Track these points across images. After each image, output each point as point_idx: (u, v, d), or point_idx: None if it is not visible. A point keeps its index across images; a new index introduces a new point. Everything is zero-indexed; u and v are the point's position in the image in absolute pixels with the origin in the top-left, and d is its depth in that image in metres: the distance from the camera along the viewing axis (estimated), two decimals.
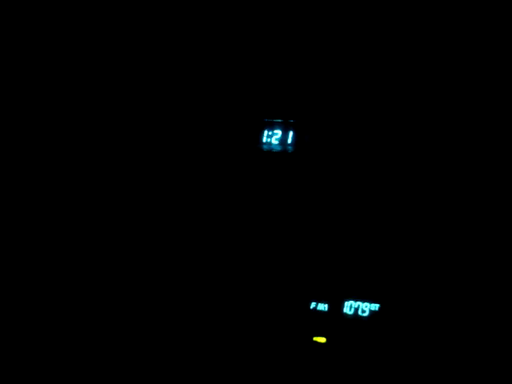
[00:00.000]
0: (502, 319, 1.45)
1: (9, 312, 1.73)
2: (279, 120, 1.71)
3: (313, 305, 1.59)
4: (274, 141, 1.71)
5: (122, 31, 1.80)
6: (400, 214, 1.57)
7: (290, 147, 1.69)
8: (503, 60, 1.53)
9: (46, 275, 1.75)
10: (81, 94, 1.83)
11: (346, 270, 1.59)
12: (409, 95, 1.61)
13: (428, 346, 1.49)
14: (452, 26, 1.57)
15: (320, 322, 1.57)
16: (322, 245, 1.62)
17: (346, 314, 1.56)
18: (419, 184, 1.57)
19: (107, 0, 1.78)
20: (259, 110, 1.72)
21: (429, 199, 1.56)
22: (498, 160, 1.51)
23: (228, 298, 1.65)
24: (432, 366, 1.48)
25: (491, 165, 1.52)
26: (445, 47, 1.58)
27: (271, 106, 1.72)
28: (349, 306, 1.56)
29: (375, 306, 1.55)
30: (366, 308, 1.55)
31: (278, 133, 1.71)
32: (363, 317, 1.55)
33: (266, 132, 1.72)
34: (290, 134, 1.70)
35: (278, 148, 1.70)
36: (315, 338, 1.57)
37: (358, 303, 1.56)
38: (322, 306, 1.58)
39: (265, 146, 1.71)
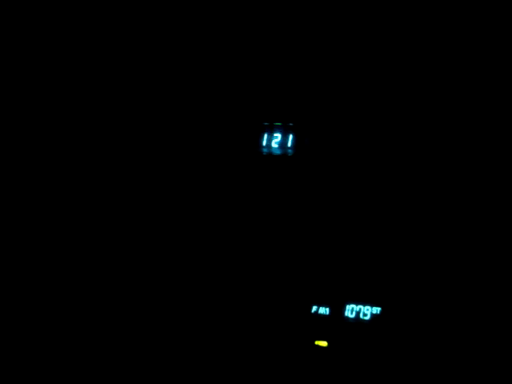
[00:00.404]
0: (504, 322, 1.45)
1: (9, 312, 1.73)
2: (279, 123, 1.71)
3: (314, 309, 1.59)
4: (274, 144, 1.71)
5: (124, 34, 1.80)
6: (400, 216, 1.57)
7: (289, 150, 1.69)
8: (503, 60, 1.53)
9: (46, 275, 1.75)
10: (80, 95, 1.83)
11: (347, 274, 1.58)
12: (409, 97, 1.61)
13: (430, 348, 1.49)
14: (452, 27, 1.56)
15: (322, 326, 1.57)
16: (322, 248, 1.61)
17: (347, 318, 1.56)
18: (420, 187, 1.57)
19: (107, 0, 1.78)
20: (259, 113, 1.72)
21: (429, 202, 1.55)
22: (498, 160, 1.51)
23: (230, 301, 1.65)
24: (434, 369, 1.47)
25: (492, 165, 1.52)
26: (446, 50, 1.57)
27: (271, 109, 1.72)
28: (350, 310, 1.56)
29: (377, 310, 1.55)
30: (368, 311, 1.55)
31: (278, 136, 1.70)
32: (365, 320, 1.55)
33: (265, 135, 1.71)
34: (290, 137, 1.69)
35: (278, 151, 1.70)
36: (317, 342, 1.56)
37: (360, 307, 1.56)
38: (324, 310, 1.58)
39: (264, 150, 1.71)
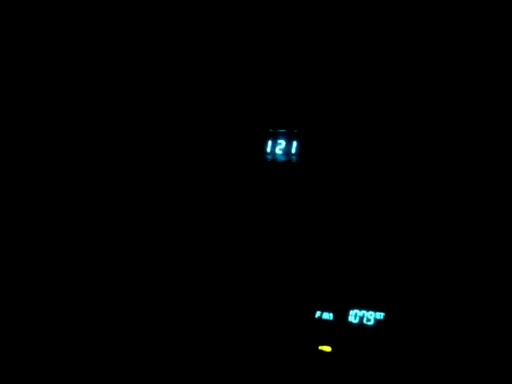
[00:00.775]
0: (509, 329, 1.45)
1: (9, 312, 1.73)
2: (283, 130, 1.72)
3: (318, 314, 1.59)
4: (278, 151, 1.72)
5: (132, 40, 1.82)
6: (404, 223, 1.58)
7: (293, 157, 1.70)
8: (503, 60, 1.54)
9: (46, 275, 1.75)
10: (88, 98, 1.84)
11: (351, 279, 1.59)
12: (414, 106, 1.62)
13: (433, 354, 1.49)
14: (453, 27, 1.58)
15: (325, 331, 1.57)
16: (326, 254, 1.62)
17: (351, 323, 1.56)
18: (424, 193, 1.58)
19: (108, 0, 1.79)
20: (263, 120, 1.73)
21: (434, 209, 1.56)
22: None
23: (234, 306, 1.65)
24: (437, 375, 1.47)
25: (501, 175, 1.53)
26: (453, 61, 1.59)
27: (275, 116, 1.73)
28: (354, 315, 1.57)
29: (380, 315, 1.55)
30: (371, 317, 1.55)
31: (282, 143, 1.71)
32: (368, 325, 1.55)
33: (270, 142, 1.73)
34: (294, 143, 1.70)
35: (282, 158, 1.71)
36: (320, 347, 1.57)
37: (363, 312, 1.56)
38: (327, 315, 1.58)
39: (269, 156, 1.72)
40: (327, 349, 1.56)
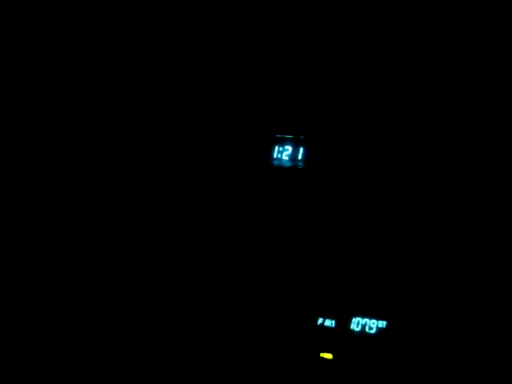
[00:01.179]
0: None
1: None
2: (290, 136, 1.72)
3: (320, 321, 1.59)
4: (285, 157, 1.72)
5: (141, 44, 1.83)
6: (409, 230, 1.57)
7: (300, 163, 1.70)
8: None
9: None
10: (92, 99, 1.85)
11: (354, 287, 1.58)
12: (420, 114, 1.61)
13: (435, 364, 1.48)
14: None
15: (327, 338, 1.57)
16: (330, 261, 1.62)
17: (353, 331, 1.56)
18: (428, 202, 1.57)
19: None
20: (270, 125, 1.74)
21: (439, 218, 1.55)
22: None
23: (236, 312, 1.65)
24: None
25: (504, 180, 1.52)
26: (458, 64, 1.58)
27: (282, 122, 1.73)
28: (356, 323, 1.56)
29: (382, 323, 1.54)
30: (374, 325, 1.55)
31: (289, 149, 1.72)
32: (370, 334, 1.54)
33: (276, 148, 1.73)
34: (301, 150, 1.71)
35: (289, 164, 1.71)
36: (322, 354, 1.56)
37: (366, 320, 1.55)
38: (329, 322, 1.58)
39: (275, 162, 1.73)
40: (328, 356, 1.56)
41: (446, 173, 1.57)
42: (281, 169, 1.72)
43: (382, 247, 1.58)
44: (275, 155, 1.73)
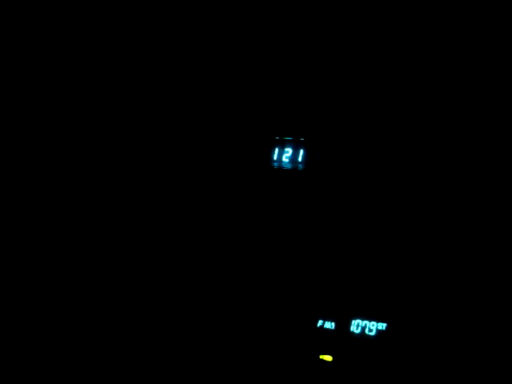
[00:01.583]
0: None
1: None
2: (290, 138, 1.72)
3: (320, 323, 1.59)
4: (285, 158, 1.72)
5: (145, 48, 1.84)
6: (409, 232, 1.57)
7: (300, 165, 1.70)
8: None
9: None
10: (94, 100, 1.86)
11: (354, 289, 1.58)
12: (421, 117, 1.62)
13: (435, 367, 1.48)
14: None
15: (327, 340, 1.57)
16: (330, 263, 1.62)
17: (352, 333, 1.56)
18: (429, 204, 1.57)
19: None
20: (270, 127, 1.74)
21: (439, 219, 1.55)
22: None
23: (236, 313, 1.65)
24: None
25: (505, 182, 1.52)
26: (460, 66, 1.58)
27: (282, 124, 1.73)
28: (356, 325, 1.56)
29: (382, 326, 1.54)
30: (373, 327, 1.55)
31: (289, 151, 1.72)
32: (370, 336, 1.54)
33: (276, 150, 1.73)
34: (301, 152, 1.71)
35: (289, 166, 1.72)
36: (321, 356, 1.56)
37: (365, 322, 1.55)
38: (329, 324, 1.58)
39: (275, 164, 1.73)
40: (328, 358, 1.55)
41: (446, 176, 1.57)
42: (281, 171, 1.72)
43: (381, 249, 1.58)
44: (275, 157, 1.73)
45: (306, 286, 1.62)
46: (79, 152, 1.84)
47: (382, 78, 1.66)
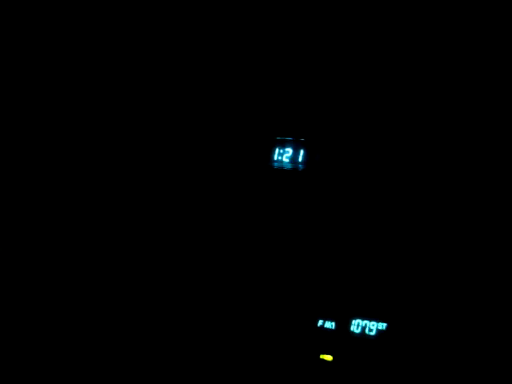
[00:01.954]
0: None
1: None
2: (290, 138, 1.72)
3: (320, 322, 1.59)
4: (285, 159, 1.72)
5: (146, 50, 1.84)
6: (409, 233, 1.57)
7: (300, 165, 1.71)
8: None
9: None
10: (94, 101, 1.85)
11: (354, 288, 1.58)
12: (421, 116, 1.62)
13: (435, 367, 1.48)
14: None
15: (327, 340, 1.57)
16: (330, 262, 1.62)
17: (353, 333, 1.56)
18: (430, 204, 1.57)
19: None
20: (271, 128, 1.74)
21: (439, 221, 1.56)
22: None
23: (236, 313, 1.65)
24: None
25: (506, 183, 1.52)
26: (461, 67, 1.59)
27: (283, 124, 1.74)
28: (356, 325, 1.56)
29: (383, 325, 1.54)
30: (374, 327, 1.55)
31: (289, 151, 1.72)
32: (370, 336, 1.54)
33: (277, 150, 1.73)
34: (301, 152, 1.71)
35: (289, 166, 1.72)
36: (322, 356, 1.56)
37: (366, 322, 1.56)
38: (329, 324, 1.58)
39: (276, 164, 1.73)
40: (328, 358, 1.56)
41: (445, 177, 1.57)
42: (281, 171, 1.72)
43: (382, 249, 1.58)
44: (276, 157, 1.73)
45: (306, 285, 1.62)
46: (79, 152, 1.84)
47: (382, 79, 1.66)
